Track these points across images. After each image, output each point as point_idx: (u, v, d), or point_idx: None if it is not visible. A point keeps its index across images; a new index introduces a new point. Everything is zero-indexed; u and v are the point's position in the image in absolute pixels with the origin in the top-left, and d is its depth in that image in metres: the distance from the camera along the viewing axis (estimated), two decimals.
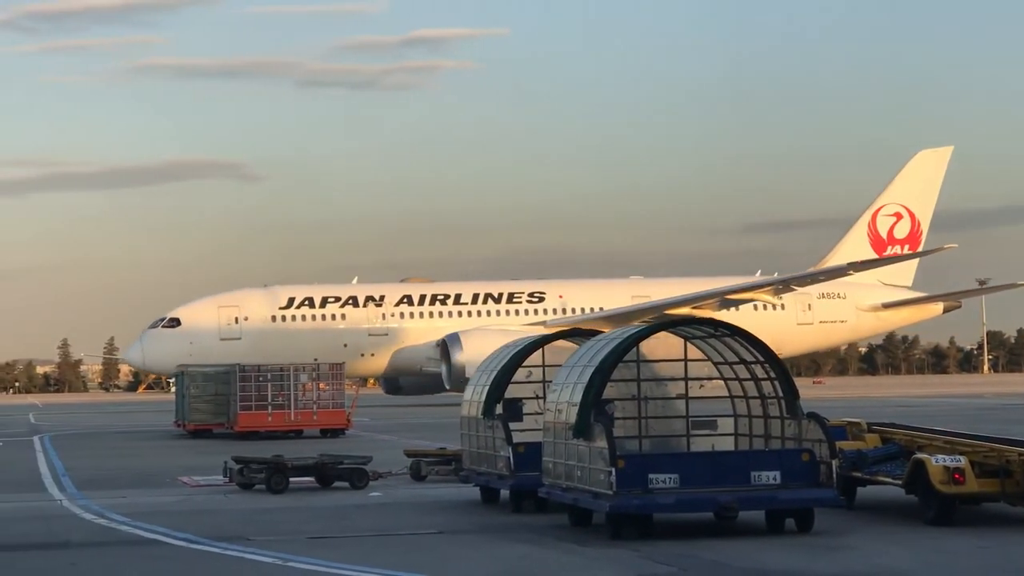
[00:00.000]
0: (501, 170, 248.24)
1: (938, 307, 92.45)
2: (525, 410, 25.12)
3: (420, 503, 26.45)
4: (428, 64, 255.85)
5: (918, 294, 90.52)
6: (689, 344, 22.84)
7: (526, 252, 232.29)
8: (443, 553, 20.01)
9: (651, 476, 20.36)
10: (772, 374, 21.98)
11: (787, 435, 21.73)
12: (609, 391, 21.62)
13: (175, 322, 79.33)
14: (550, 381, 23.84)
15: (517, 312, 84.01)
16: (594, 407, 20.79)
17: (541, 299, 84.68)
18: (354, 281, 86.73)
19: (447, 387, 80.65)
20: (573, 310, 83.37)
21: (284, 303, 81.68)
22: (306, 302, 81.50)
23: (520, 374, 25.48)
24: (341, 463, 29.74)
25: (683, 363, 23.01)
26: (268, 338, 79.01)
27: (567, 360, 22.82)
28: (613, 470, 20.05)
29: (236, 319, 79.21)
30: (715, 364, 23.01)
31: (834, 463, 20.90)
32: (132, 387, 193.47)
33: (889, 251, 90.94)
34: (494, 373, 25.29)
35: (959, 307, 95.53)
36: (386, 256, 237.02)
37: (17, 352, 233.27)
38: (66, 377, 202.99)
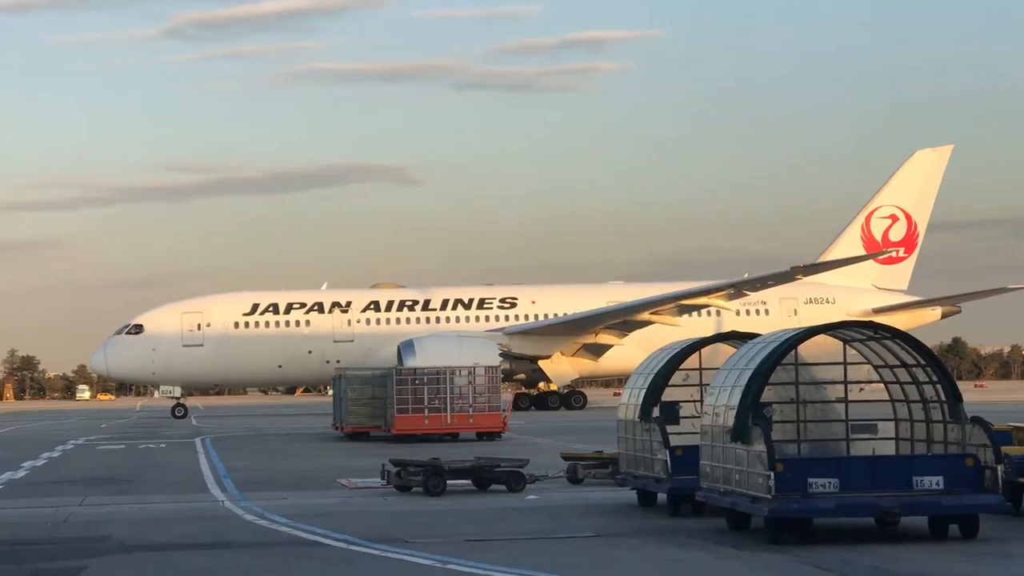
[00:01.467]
0: (659, 171, 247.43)
1: (935, 312, 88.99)
2: (682, 413, 25.00)
3: (577, 506, 26.41)
4: (585, 66, 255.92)
5: (912, 298, 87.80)
6: (848, 347, 22.52)
7: (686, 253, 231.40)
8: (600, 556, 19.94)
9: (810, 480, 20.10)
10: (934, 377, 21.59)
11: (950, 440, 21.31)
12: (767, 394, 21.41)
13: (138, 328, 79.27)
14: (707, 384, 23.68)
15: (487, 318, 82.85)
16: (752, 410, 20.60)
17: (513, 305, 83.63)
18: (323, 287, 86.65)
19: None
20: (546, 315, 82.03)
21: (248, 309, 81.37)
22: (271, 308, 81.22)
23: (677, 377, 25.36)
24: (498, 466, 29.81)
25: (842, 366, 22.69)
26: (230, 344, 79.28)
27: (724, 363, 22.65)
28: (772, 474, 19.84)
29: (199, 325, 78.90)
30: (875, 367, 22.67)
31: (999, 468, 20.47)
32: (291, 390, 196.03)
33: (885, 254, 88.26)
34: (651, 376, 25.19)
35: (958, 312, 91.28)
36: (546, 258, 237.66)
37: None
38: None
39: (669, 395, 25.12)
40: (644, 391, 25.07)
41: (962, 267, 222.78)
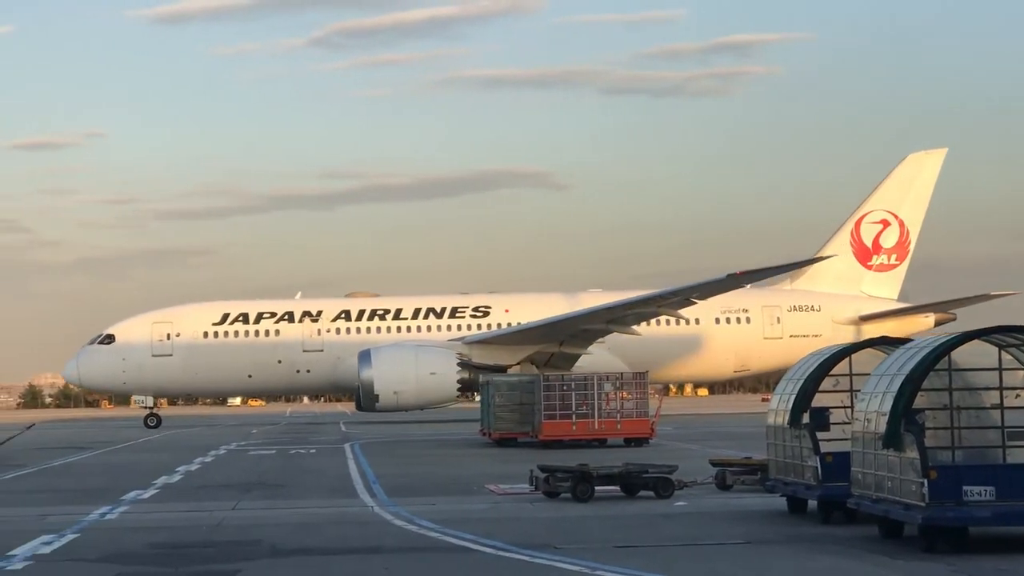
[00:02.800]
0: (805, 177, 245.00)
1: (929, 319, 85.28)
2: (832, 419, 24.69)
3: (726, 513, 26.24)
4: (733, 70, 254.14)
5: (899, 305, 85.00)
6: (1004, 352, 22.06)
7: None
8: (751, 563, 19.78)
9: (965, 488, 19.74)
10: None
11: None
12: (920, 400, 21.03)
13: (110, 339, 78.95)
14: (858, 390, 23.36)
15: (459, 327, 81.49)
16: (904, 417, 20.28)
17: (486, 313, 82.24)
18: (297, 296, 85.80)
19: (360, 405, 79.42)
20: (520, 324, 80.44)
21: (218, 319, 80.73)
22: (240, 318, 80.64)
23: (827, 383, 25.06)
24: (646, 472, 29.71)
25: (998, 372, 22.22)
26: (199, 354, 78.73)
27: (875, 369, 22.31)
28: (925, 481, 19.53)
29: (168, 335, 78.49)
30: None
31: None
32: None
33: (875, 261, 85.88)
34: (800, 382, 24.94)
35: (954, 319, 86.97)
36: (692, 263, 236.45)
37: None
38: None
39: (819, 401, 24.83)
40: (794, 397, 24.85)
41: (962, 273, 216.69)
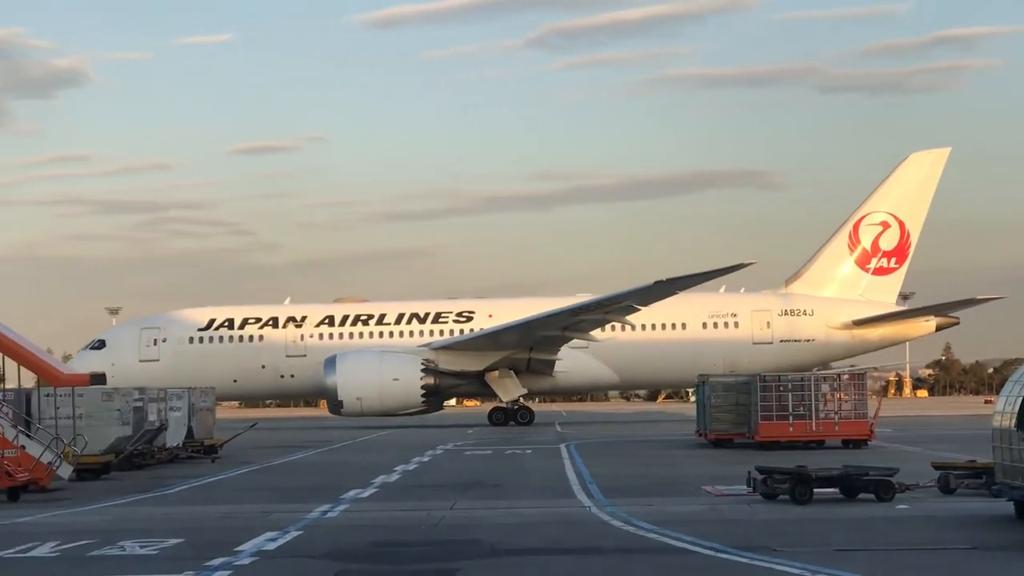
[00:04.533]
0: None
1: (930, 323, 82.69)
2: None
3: (949, 517, 25.63)
4: (956, 64, 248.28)
5: (893, 309, 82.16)
6: None
7: None
8: (976, 570, 19.30)
9: None
10: None
11: None
12: None
13: (101, 344, 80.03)
14: None
15: (442, 332, 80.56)
16: None
17: (469, 319, 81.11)
18: (286, 302, 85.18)
19: (329, 411, 78.40)
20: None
21: (204, 324, 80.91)
22: (226, 323, 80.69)
23: None
24: (866, 474, 29.21)
25: None
26: (185, 359, 78.84)
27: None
28: None
29: (155, 341, 78.85)
30: None
31: None
32: (651, 396, 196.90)
33: (875, 263, 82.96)
34: None
35: (956, 323, 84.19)
36: (922, 263, 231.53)
37: None
38: None
39: None
40: (1021, 399, 24.15)
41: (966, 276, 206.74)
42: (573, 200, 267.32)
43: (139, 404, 44.08)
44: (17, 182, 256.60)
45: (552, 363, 79.87)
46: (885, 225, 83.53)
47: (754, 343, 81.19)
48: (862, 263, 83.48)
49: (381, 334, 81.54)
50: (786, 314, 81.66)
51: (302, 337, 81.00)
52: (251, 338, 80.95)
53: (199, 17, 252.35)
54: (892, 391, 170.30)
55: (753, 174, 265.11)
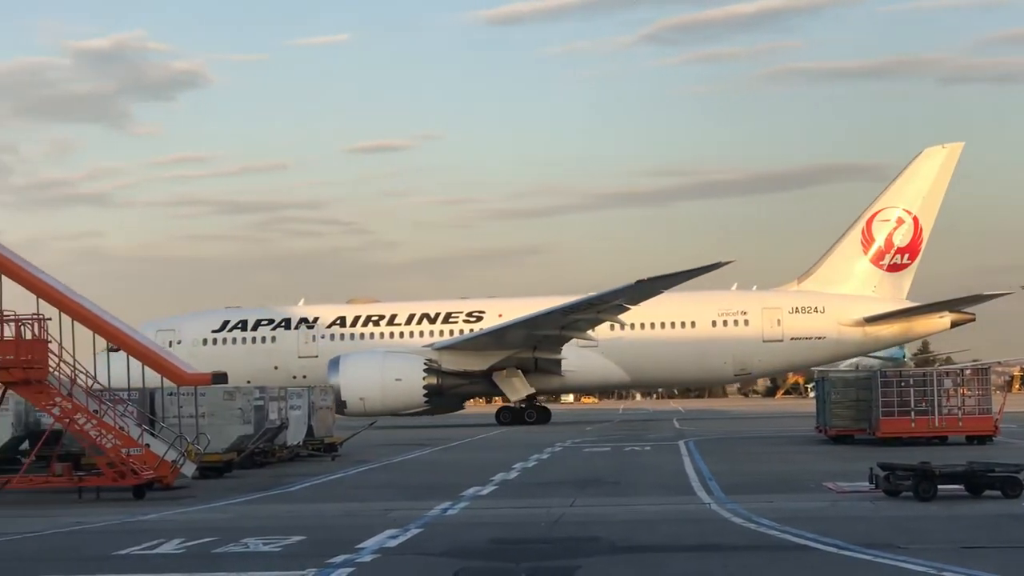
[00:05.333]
0: None
1: (944, 320, 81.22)
2: None
3: None
4: None
5: (906, 306, 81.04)
6: None
7: None
8: None
9: None
10: None
11: None
12: None
13: (118, 347, 79.53)
14: None
15: (451, 332, 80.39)
16: None
17: (479, 319, 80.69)
18: (300, 303, 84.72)
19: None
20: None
21: (218, 326, 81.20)
22: (239, 325, 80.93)
23: None
24: (992, 471, 28.77)
25: None
26: (197, 360, 77.08)
27: None
28: None
29: (170, 343, 78.73)
30: None
31: None
32: (770, 392, 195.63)
33: (888, 259, 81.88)
34: None
35: (972, 319, 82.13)
36: None
37: None
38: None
39: None
40: None
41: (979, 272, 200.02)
42: (690, 195, 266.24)
43: (260, 403, 44.59)
44: (137, 183, 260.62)
45: (558, 362, 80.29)
46: (899, 221, 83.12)
47: (764, 341, 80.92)
48: (876, 259, 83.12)
49: (392, 335, 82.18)
50: (797, 311, 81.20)
51: (313, 338, 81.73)
52: (264, 339, 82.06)
53: (316, 18, 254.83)
54: (1017, 386, 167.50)
55: (871, 168, 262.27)
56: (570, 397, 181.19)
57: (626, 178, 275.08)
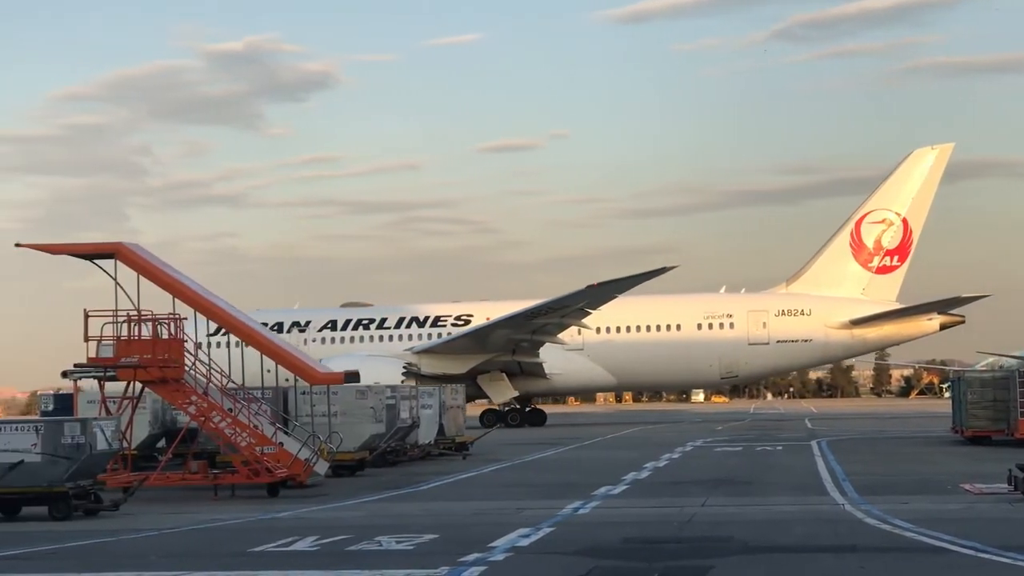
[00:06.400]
0: None
1: (933, 322, 79.86)
2: None
3: None
4: None
5: (890, 308, 79.83)
6: None
7: None
8: None
9: None
10: None
11: None
12: None
13: None
14: None
15: (439, 335, 79.80)
16: None
17: (467, 322, 79.97)
18: (296, 306, 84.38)
19: None
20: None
21: (213, 329, 79.89)
22: None
23: None
24: None
25: None
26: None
27: None
28: None
29: None
30: None
31: None
32: (903, 392, 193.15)
33: (877, 262, 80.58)
34: None
35: (962, 321, 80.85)
36: None
37: None
38: (838, 382, 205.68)
39: None
40: None
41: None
42: (823, 193, 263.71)
43: (392, 402, 44.90)
44: (270, 184, 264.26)
45: (540, 365, 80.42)
46: (887, 223, 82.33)
47: (750, 344, 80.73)
48: (864, 262, 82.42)
49: (382, 338, 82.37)
50: (783, 314, 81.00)
51: (305, 342, 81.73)
52: None
53: (446, 18, 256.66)
54: None
55: (1004, 164, 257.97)
56: (700, 396, 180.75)
57: (755, 176, 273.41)
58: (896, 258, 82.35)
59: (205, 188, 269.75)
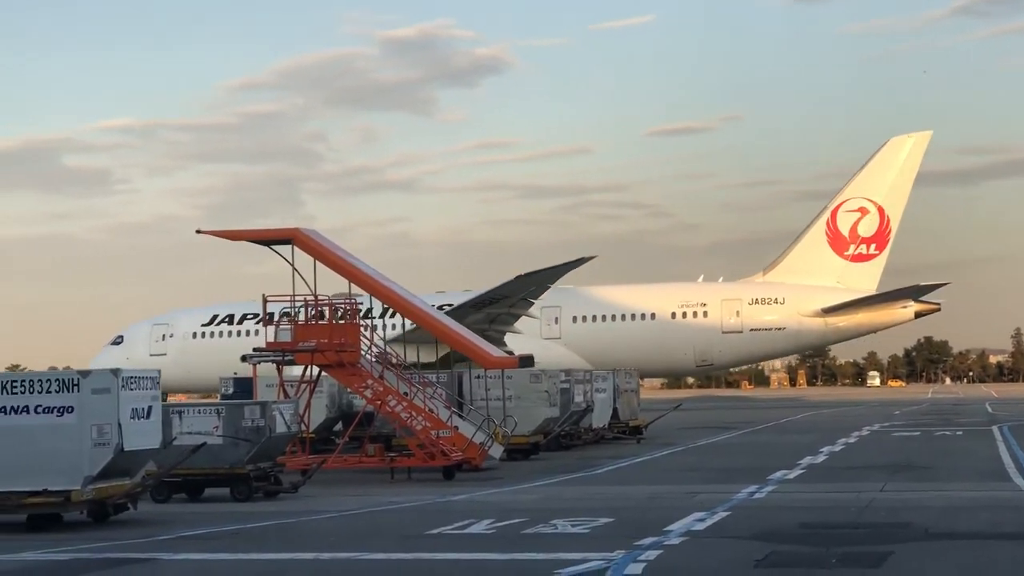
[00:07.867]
0: None
1: (908, 310, 77.66)
2: None
3: None
4: None
5: (858, 296, 78.00)
6: None
7: None
8: None
9: None
10: None
11: None
12: None
13: (120, 339, 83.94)
14: None
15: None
16: None
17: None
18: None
19: None
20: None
21: (207, 320, 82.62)
22: (226, 319, 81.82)
23: None
24: None
25: None
26: (188, 353, 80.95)
27: None
28: None
29: (164, 336, 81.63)
30: None
31: None
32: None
33: (853, 251, 78.84)
34: None
35: (938, 309, 78.85)
36: None
37: (970, 341, 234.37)
38: (1020, 366, 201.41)
39: None
40: None
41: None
42: (1004, 174, 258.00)
43: (566, 386, 45.00)
44: (443, 169, 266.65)
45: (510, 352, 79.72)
46: (863, 211, 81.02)
47: (723, 332, 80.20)
48: (839, 250, 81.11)
49: (366, 327, 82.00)
50: (757, 303, 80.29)
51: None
52: (248, 333, 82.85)
53: (617, 1, 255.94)
54: None
55: None
56: (876, 380, 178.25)
57: (930, 156, 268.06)
58: (874, 246, 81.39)
59: (379, 174, 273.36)
